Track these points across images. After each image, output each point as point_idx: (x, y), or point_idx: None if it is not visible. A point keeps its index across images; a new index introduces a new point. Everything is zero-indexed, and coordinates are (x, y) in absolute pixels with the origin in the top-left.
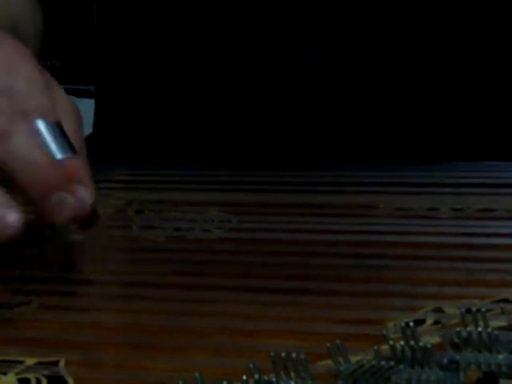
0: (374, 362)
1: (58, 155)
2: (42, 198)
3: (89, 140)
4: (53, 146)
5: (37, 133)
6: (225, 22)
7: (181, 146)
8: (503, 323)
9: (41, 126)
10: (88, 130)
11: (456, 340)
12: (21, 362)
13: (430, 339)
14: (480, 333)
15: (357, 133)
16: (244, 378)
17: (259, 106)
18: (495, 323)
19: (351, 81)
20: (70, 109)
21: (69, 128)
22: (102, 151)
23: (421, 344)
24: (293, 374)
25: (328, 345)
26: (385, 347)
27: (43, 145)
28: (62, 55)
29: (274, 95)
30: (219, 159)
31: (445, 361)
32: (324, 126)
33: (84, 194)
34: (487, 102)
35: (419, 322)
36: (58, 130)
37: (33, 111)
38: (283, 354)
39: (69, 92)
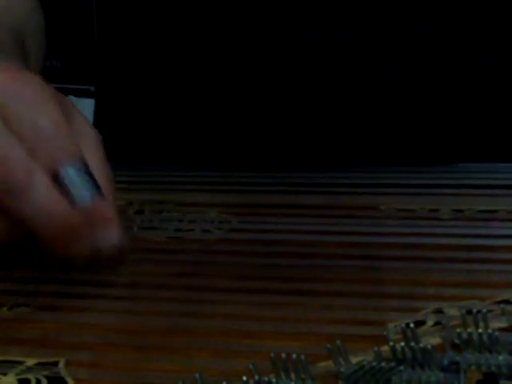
0: (375, 363)
1: (84, 201)
2: (65, 249)
3: None
4: (78, 193)
5: (61, 181)
6: (225, 22)
7: (181, 147)
8: (504, 324)
9: (67, 173)
10: None
11: (456, 341)
12: (21, 363)
13: (431, 340)
14: (480, 334)
15: (358, 134)
16: (244, 378)
17: (260, 107)
18: (496, 324)
19: (351, 81)
20: (91, 136)
21: (93, 161)
22: None
23: (421, 345)
24: (293, 375)
25: (328, 346)
26: (385, 348)
27: (69, 191)
28: (62, 55)
29: (275, 96)
30: (219, 160)
31: (445, 362)
32: (324, 126)
33: (113, 237)
34: (488, 104)
35: (419, 323)
36: (84, 173)
37: (58, 158)
38: (283, 355)
39: (69, 92)
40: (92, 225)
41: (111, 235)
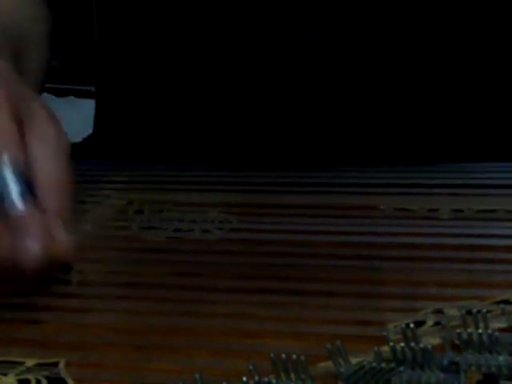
0: (375, 364)
1: (11, 206)
2: None
3: (89, 140)
4: (6, 195)
5: None
6: (225, 22)
7: (181, 147)
8: (504, 324)
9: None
10: (88, 130)
11: (456, 341)
12: (21, 363)
13: (431, 340)
14: (480, 334)
15: (357, 134)
16: (244, 379)
17: (260, 107)
18: (496, 324)
19: (351, 81)
20: (49, 135)
21: (43, 162)
22: (102, 151)
23: (421, 345)
24: (293, 376)
25: (328, 346)
26: (385, 349)
27: None
28: (62, 56)
29: (275, 96)
30: (219, 160)
31: (445, 362)
32: (324, 126)
33: (29, 247)
34: (488, 104)
35: (419, 324)
36: (17, 174)
37: None
38: (283, 356)
39: (69, 92)
40: (12, 233)
41: (31, 247)
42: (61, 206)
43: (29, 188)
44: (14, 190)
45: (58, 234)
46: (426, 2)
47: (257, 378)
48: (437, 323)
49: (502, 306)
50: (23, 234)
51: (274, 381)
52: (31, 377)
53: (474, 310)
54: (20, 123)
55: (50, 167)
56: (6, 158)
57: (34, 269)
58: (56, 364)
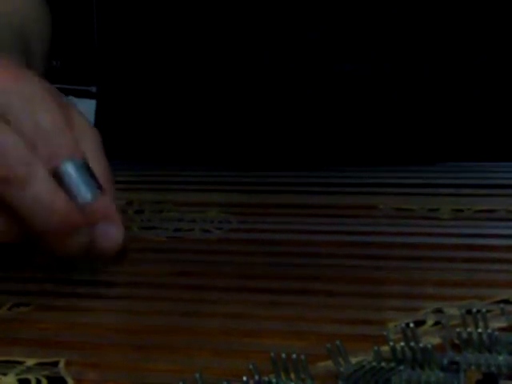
0: (374, 363)
1: (85, 198)
2: (63, 245)
3: None
4: (78, 189)
5: (61, 177)
6: (225, 22)
7: (181, 147)
8: (503, 324)
9: (67, 169)
10: None
11: (456, 341)
12: (21, 363)
13: (431, 340)
14: (480, 334)
15: (357, 133)
16: (244, 378)
17: (259, 107)
18: (495, 324)
19: (351, 81)
20: (91, 134)
21: (93, 159)
22: None
23: (421, 345)
24: (293, 375)
25: (328, 346)
26: (385, 348)
27: (69, 188)
28: (63, 56)
29: (274, 96)
30: (219, 160)
31: (445, 362)
32: (324, 126)
33: (114, 234)
34: (487, 103)
35: (419, 323)
36: (84, 169)
37: (58, 154)
38: (283, 355)
39: (69, 92)
40: (92, 221)
41: (112, 232)
42: (112, 199)
43: (94, 180)
44: (82, 184)
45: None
46: (426, 2)
47: (257, 377)
48: (437, 323)
49: (501, 305)
50: (103, 223)
51: (274, 380)
52: (31, 376)
53: (474, 310)
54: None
55: (96, 164)
56: (66, 153)
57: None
58: (56, 364)
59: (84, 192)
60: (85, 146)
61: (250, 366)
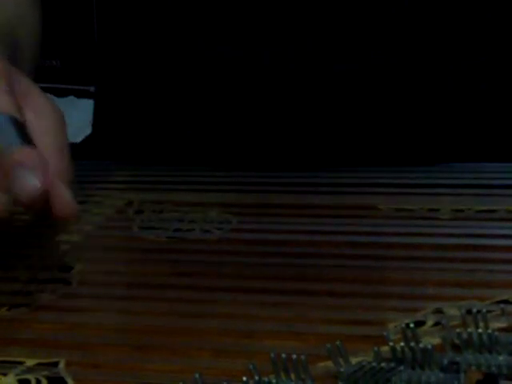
0: (374, 364)
1: (7, 148)
2: None
3: (88, 140)
4: (3, 139)
5: None
6: (225, 22)
7: (180, 147)
8: (504, 324)
9: None
10: (87, 130)
11: (456, 341)
12: (21, 363)
13: (431, 340)
14: (480, 334)
15: (357, 134)
16: (244, 379)
17: (260, 107)
18: (496, 324)
19: (352, 81)
20: (50, 112)
21: (47, 133)
22: (101, 151)
23: (421, 345)
24: (293, 376)
25: (328, 346)
26: (385, 348)
27: None
28: (62, 55)
29: (275, 96)
30: (219, 160)
31: (445, 362)
32: (324, 126)
33: (31, 181)
34: (487, 104)
35: (419, 323)
36: (14, 124)
37: None
38: (283, 356)
39: (68, 92)
40: (10, 171)
41: (32, 180)
42: (62, 169)
43: (26, 136)
44: (10, 134)
45: (61, 191)
46: (426, 2)
47: (257, 377)
48: (437, 323)
49: (502, 305)
50: (21, 169)
51: (274, 381)
52: (31, 377)
53: (474, 310)
54: (16, 96)
55: (48, 139)
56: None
57: (34, 204)
58: (56, 364)
59: (8, 143)
60: (35, 121)
61: (250, 367)
